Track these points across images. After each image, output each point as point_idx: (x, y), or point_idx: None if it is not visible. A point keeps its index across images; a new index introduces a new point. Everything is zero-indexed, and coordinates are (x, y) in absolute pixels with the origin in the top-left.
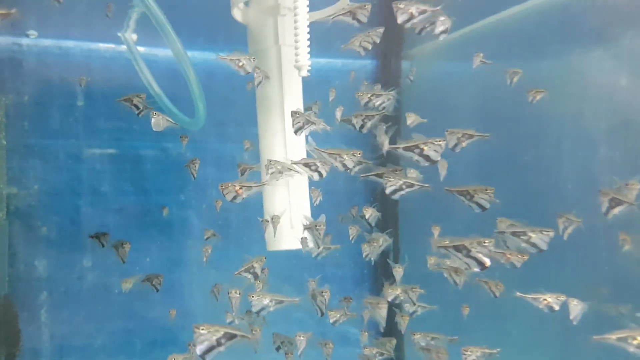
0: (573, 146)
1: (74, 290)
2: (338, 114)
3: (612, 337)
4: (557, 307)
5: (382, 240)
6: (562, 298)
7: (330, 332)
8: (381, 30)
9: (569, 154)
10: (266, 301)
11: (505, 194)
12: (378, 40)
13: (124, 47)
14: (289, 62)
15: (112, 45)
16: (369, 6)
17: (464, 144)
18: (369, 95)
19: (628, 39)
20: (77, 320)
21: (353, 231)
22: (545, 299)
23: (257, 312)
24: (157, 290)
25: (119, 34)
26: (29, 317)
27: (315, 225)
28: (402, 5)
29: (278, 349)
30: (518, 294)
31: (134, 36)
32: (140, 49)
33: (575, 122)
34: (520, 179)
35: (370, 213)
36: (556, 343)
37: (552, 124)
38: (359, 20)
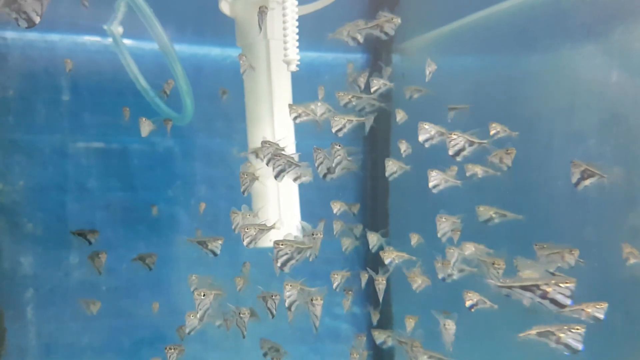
0: (563, 142)
1: (60, 287)
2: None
3: (533, 332)
4: None
5: (377, 239)
6: None
7: (320, 328)
8: (362, 22)
9: (559, 150)
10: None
11: (495, 191)
12: (362, 40)
13: (110, 40)
14: (277, 56)
15: (98, 39)
16: (397, 20)
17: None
18: (350, 97)
19: (618, 34)
20: (63, 318)
21: (337, 226)
22: None
23: (189, 332)
24: (150, 269)
25: (105, 27)
26: (14, 315)
27: (312, 234)
28: None
29: (265, 355)
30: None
31: (120, 29)
32: (127, 42)
33: (566, 118)
34: (511, 175)
35: (338, 207)
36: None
37: (542, 119)
38: (386, 33)
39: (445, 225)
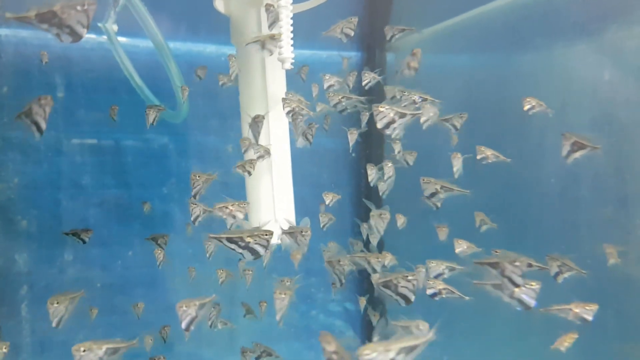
0: (556, 140)
1: (55, 284)
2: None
3: (488, 283)
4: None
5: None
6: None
7: (315, 325)
8: (355, 19)
9: (552, 148)
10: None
11: (488, 188)
12: (352, 33)
13: (104, 37)
14: (272, 54)
15: (92, 36)
16: (354, 19)
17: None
18: (340, 97)
19: (611, 33)
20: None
21: (324, 219)
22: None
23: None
24: (163, 250)
25: (100, 25)
26: (9, 312)
27: (301, 231)
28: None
29: (258, 358)
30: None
31: (115, 27)
32: (121, 39)
33: (559, 116)
34: (504, 173)
35: (330, 198)
36: (540, 334)
37: (535, 117)
38: (346, 35)
39: (380, 222)
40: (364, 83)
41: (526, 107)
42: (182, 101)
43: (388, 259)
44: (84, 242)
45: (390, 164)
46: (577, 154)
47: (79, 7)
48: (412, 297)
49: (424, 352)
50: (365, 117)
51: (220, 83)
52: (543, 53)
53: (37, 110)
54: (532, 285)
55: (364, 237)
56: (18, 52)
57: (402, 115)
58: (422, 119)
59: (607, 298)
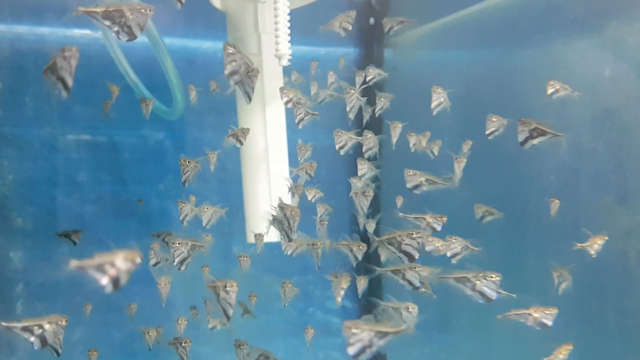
0: None
1: (50, 281)
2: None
3: (451, 277)
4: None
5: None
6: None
7: (312, 322)
8: (353, 13)
9: (551, 145)
10: None
11: (487, 185)
12: (350, 27)
13: (100, 33)
14: (269, 51)
15: (88, 32)
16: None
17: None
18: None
19: (612, 29)
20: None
21: (321, 209)
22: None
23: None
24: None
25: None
26: (4, 310)
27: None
28: None
29: None
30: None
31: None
32: None
33: (558, 113)
34: (503, 170)
35: (313, 194)
36: (539, 333)
37: (535, 114)
38: (345, 29)
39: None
40: (368, 79)
41: (550, 91)
42: (189, 101)
43: (384, 254)
44: (75, 243)
45: (370, 134)
46: (536, 141)
47: (142, 11)
48: (416, 255)
49: (423, 350)
50: (367, 115)
51: (212, 89)
52: (543, 49)
53: (61, 63)
54: (492, 277)
55: (360, 228)
56: (13, 48)
57: (432, 182)
58: (433, 105)
59: (609, 294)
